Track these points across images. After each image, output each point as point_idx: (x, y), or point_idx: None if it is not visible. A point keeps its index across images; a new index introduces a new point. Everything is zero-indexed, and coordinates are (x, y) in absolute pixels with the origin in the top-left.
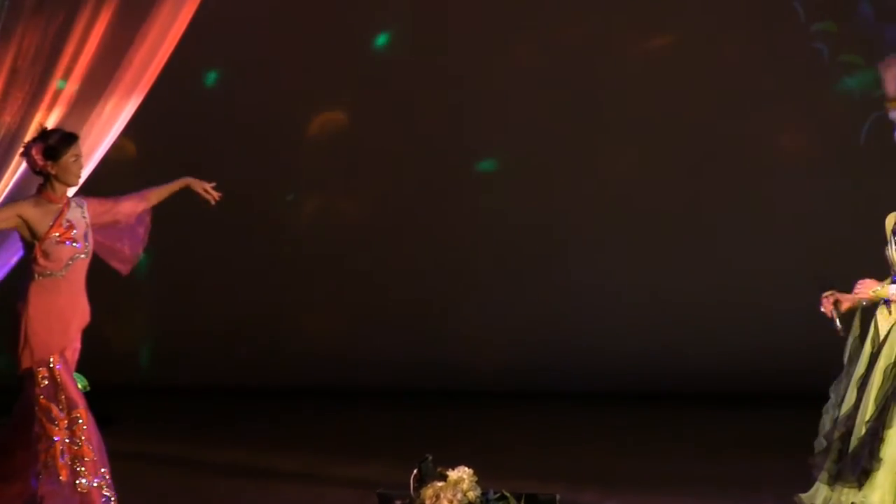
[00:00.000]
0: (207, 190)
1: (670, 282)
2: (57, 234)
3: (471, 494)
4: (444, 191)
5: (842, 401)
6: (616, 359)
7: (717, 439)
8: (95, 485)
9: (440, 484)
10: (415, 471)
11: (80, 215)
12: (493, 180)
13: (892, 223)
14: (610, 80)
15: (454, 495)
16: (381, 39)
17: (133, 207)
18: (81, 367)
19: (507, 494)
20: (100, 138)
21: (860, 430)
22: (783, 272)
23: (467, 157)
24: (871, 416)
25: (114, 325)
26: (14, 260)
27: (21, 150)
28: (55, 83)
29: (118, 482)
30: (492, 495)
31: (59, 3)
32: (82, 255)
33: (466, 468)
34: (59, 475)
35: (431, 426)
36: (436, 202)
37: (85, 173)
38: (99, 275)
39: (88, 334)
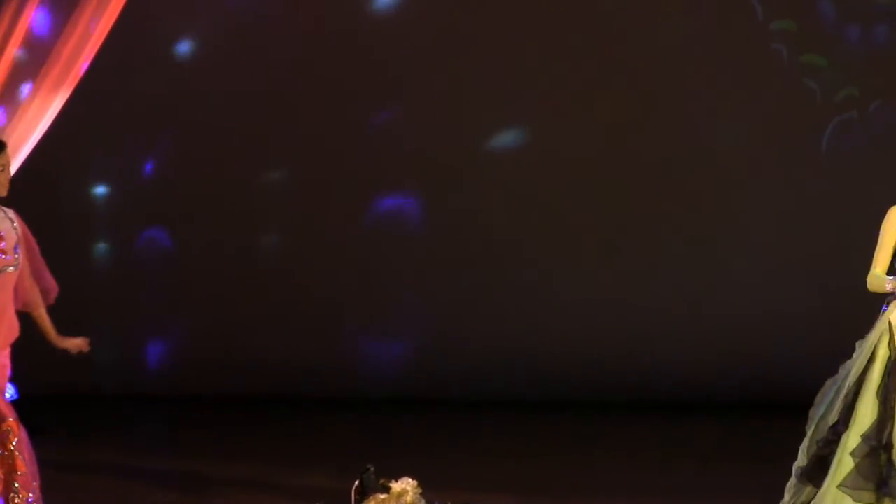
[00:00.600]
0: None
1: (617, 289)
2: None
3: None
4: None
5: (846, 417)
6: (564, 367)
7: (670, 449)
8: (31, 500)
9: (383, 496)
10: (356, 482)
11: (11, 227)
12: (461, 182)
13: None
14: (574, 82)
15: None
16: None
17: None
18: (24, 375)
19: None
20: (26, 134)
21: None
22: (756, 276)
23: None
24: None
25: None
26: None
27: None
28: None
29: (47, 495)
30: None
31: None
32: (11, 268)
33: (410, 479)
34: None
35: (374, 436)
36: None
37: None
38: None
39: (30, 342)
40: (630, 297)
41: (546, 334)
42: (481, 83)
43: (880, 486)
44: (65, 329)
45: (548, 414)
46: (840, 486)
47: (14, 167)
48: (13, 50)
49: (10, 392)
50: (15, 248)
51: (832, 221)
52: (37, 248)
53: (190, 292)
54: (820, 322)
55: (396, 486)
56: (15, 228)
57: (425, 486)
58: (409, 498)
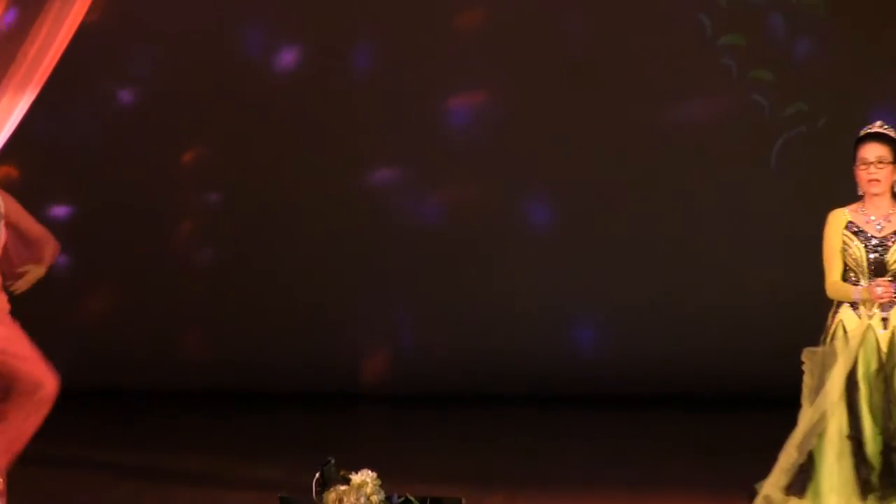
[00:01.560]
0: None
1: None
2: None
3: (374, 498)
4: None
5: (822, 418)
6: (526, 362)
7: (629, 442)
8: None
9: (343, 487)
10: (317, 474)
11: None
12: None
13: (843, 220)
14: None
15: (357, 499)
16: None
17: (40, 234)
18: None
19: (412, 498)
20: None
21: (871, 446)
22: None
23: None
24: (877, 430)
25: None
26: None
27: None
28: None
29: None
30: (396, 499)
31: None
32: None
33: (370, 471)
34: None
35: (334, 430)
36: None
37: None
38: None
39: None
40: (594, 296)
41: (511, 327)
42: (451, 79)
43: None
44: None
45: (503, 407)
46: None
47: None
48: None
49: None
50: None
51: (781, 234)
52: (29, 217)
53: (154, 288)
54: (772, 326)
55: (356, 478)
56: None
57: (385, 478)
58: (368, 489)
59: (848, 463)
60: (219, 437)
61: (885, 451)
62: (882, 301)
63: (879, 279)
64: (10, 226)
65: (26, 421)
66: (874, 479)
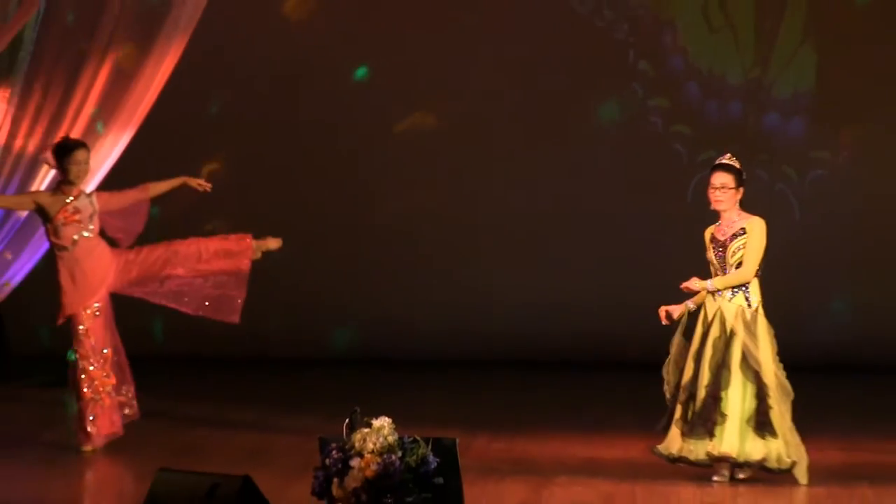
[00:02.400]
0: (200, 183)
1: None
2: (63, 218)
3: (390, 438)
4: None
5: (681, 373)
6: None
7: (583, 396)
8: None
9: (366, 430)
10: (346, 420)
11: (88, 203)
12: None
13: (709, 235)
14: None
15: (377, 439)
16: None
17: (134, 197)
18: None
19: (418, 438)
20: (100, 164)
21: (701, 393)
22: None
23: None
24: (708, 382)
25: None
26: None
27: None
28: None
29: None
30: (406, 439)
31: (69, 59)
32: (86, 233)
33: (387, 418)
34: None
35: (359, 389)
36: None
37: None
38: None
39: None
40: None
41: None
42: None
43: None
44: None
45: (494, 370)
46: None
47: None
48: (92, 104)
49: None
50: (90, 218)
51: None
52: (115, 195)
53: None
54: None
55: (376, 423)
56: (92, 205)
57: (400, 425)
58: (385, 431)
59: (684, 407)
60: (269, 395)
61: (706, 398)
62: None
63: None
64: (106, 213)
65: None
66: (695, 420)
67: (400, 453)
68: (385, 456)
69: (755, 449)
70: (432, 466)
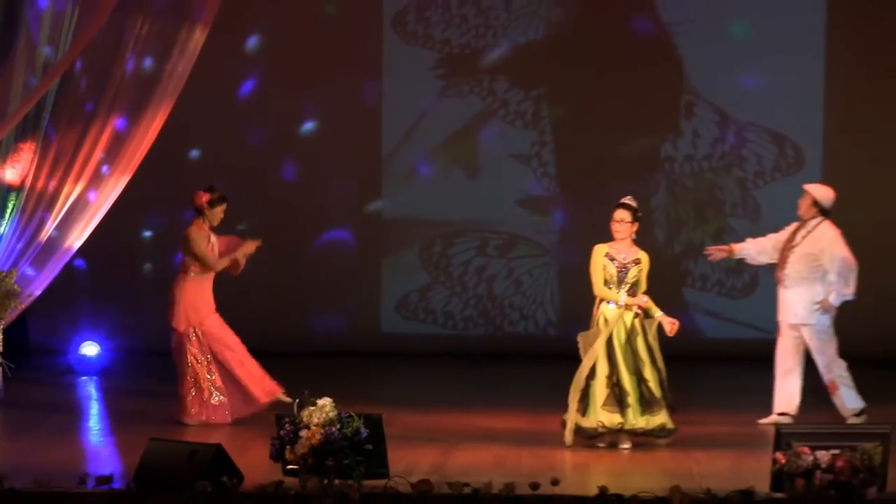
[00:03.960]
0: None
1: None
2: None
3: (331, 414)
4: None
5: (593, 370)
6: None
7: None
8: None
9: (312, 408)
10: (297, 400)
11: (215, 240)
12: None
13: (603, 251)
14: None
15: (321, 414)
16: None
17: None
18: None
19: (353, 413)
20: (107, 198)
21: (613, 379)
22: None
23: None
24: (616, 371)
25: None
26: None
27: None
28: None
29: None
30: (343, 415)
31: (81, 118)
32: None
33: (329, 398)
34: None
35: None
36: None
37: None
38: None
39: None
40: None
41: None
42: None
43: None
44: None
45: (408, 361)
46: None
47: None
48: (99, 152)
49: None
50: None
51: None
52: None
53: None
54: None
55: (320, 402)
56: (215, 243)
57: (341, 404)
58: (327, 409)
59: (610, 392)
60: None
61: (637, 383)
62: (634, 304)
63: (640, 294)
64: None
65: None
66: (631, 401)
67: (338, 426)
68: (327, 428)
69: (652, 421)
70: (364, 436)
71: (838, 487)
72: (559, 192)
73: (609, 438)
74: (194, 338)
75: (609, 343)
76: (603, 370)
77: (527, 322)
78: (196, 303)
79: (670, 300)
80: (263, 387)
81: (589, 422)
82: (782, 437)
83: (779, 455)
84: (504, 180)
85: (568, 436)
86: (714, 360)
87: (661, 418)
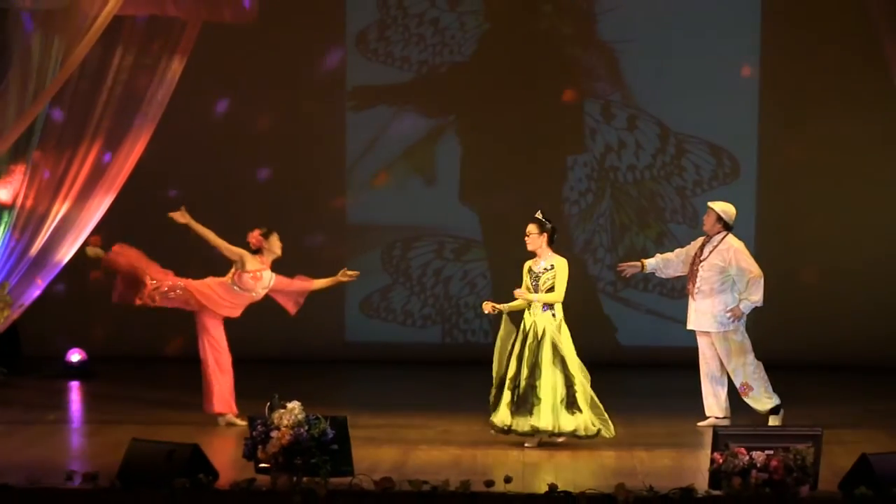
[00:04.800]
0: (351, 276)
1: None
2: (250, 275)
3: (300, 416)
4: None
5: (506, 369)
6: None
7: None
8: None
9: (282, 410)
10: (268, 403)
11: (268, 279)
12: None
13: (526, 268)
14: None
15: (290, 416)
16: None
17: (300, 286)
18: None
19: (320, 416)
20: (90, 218)
21: (522, 384)
22: None
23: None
24: (527, 375)
25: None
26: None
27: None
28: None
29: None
30: (311, 417)
31: (66, 143)
32: (253, 294)
33: (297, 402)
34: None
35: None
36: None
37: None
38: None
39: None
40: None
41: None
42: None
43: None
44: None
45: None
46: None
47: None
48: (84, 174)
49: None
50: (263, 287)
51: None
52: (292, 290)
53: None
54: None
55: (290, 405)
56: (270, 280)
57: (309, 407)
58: (296, 411)
59: (512, 394)
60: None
61: (526, 387)
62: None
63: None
64: (273, 291)
65: None
66: (520, 403)
67: (307, 427)
68: (296, 429)
69: (568, 422)
70: (330, 436)
71: (773, 486)
72: (514, 199)
73: (536, 438)
74: (219, 327)
75: (522, 345)
76: (511, 372)
77: (481, 320)
78: (228, 298)
79: (614, 300)
80: (224, 399)
81: (496, 419)
82: (720, 439)
83: (717, 455)
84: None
85: (492, 430)
86: (647, 367)
87: (576, 421)
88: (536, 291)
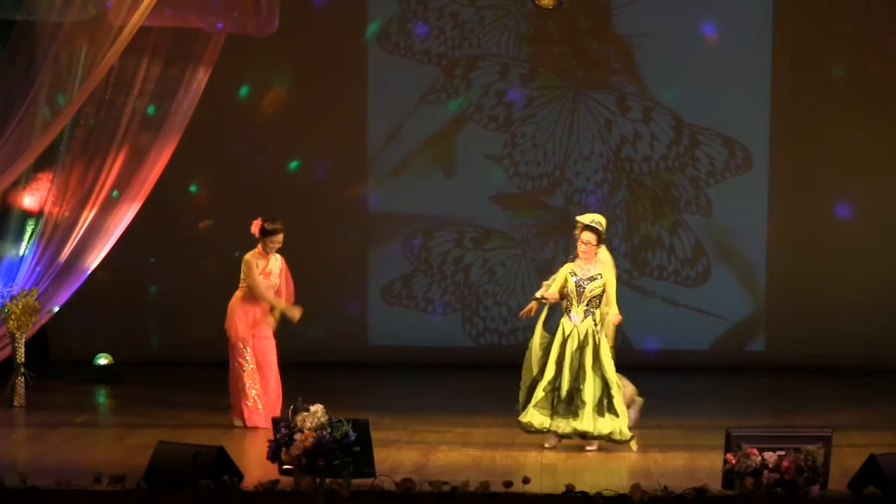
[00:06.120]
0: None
1: None
2: (261, 274)
3: (322, 419)
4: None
5: (541, 373)
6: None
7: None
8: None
9: (306, 413)
10: (292, 406)
11: (277, 266)
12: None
13: (567, 271)
14: None
15: (313, 419)
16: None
17: (282, 292)
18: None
19: (342, 419)
20: (119, 222)
21: (565, 387)
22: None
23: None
24: (570, 379)
25: None
26: None
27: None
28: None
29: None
30: (334, 419)
31: (94, 151)
32: (271, 287)
33: (320, 405)
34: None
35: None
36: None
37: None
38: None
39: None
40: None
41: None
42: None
43: (554, 410)
44: None
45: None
46: (534, 406)
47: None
48: (111, 182)
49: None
50: (277, 275)
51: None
52: (290, 277)
53: None
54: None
55: (313, 408)
56: (279, 268)
57: (331, 410)
58: (319, 414)
59: (548, 396)
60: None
61: (570, 391)
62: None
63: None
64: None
65: None
66: (560, 406)
67: (329, 430)
68: (319, 431)
69: (605, 425)
70: (352, 439)
71: (784, 486)
72: (529, 190)
73: (539, 438)
74: (243, 348)
75: (562, 350)
76: (548, 376)
77: (500, 307)
78: (246, 318)
79: (630, 288)
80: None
81: (534, 420)
82: (733, 440)
83: (729, 456)
84: (479, 178)
85: (527, 431)
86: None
87: (612, 424)
88: (580, 298)
